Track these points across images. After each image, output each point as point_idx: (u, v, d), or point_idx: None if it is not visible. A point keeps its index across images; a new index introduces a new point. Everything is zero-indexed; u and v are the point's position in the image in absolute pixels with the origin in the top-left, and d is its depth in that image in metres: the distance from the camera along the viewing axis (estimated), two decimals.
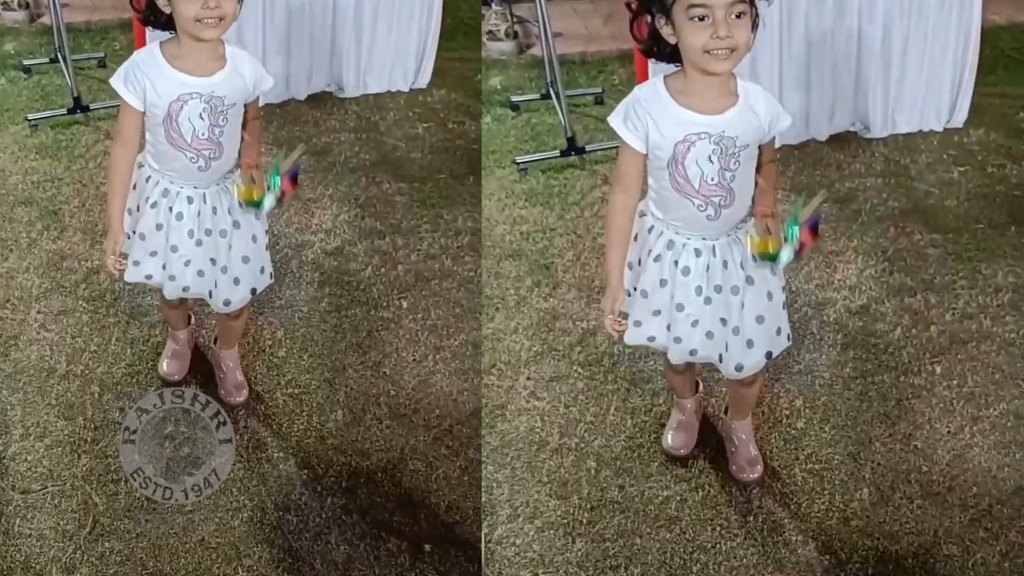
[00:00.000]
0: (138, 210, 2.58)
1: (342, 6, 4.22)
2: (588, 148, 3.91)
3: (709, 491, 2.74)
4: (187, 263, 2.59)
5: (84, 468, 2.81)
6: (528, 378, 3.00)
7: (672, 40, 2.17)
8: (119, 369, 3.06)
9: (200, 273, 2.62)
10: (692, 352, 2.45)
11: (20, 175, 3.83)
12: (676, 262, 2.33)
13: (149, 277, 2.62)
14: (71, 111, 4.17)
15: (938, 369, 3.02)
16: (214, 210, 2.57)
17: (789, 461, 2.79)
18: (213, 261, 2.60)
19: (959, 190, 3.73)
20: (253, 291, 2.69)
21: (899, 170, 3.88)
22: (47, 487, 2.77)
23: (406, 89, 4.37)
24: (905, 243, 3.50)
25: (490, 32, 4.65)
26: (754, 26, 2.16)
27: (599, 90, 4.37)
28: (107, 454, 2.84)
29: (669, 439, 2.80)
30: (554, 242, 3.48)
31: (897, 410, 2.92)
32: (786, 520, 2.66)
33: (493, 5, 4.63)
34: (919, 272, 3.37)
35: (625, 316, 2.40)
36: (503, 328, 3.14)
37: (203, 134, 2.46)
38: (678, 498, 2.73)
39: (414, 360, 3.14)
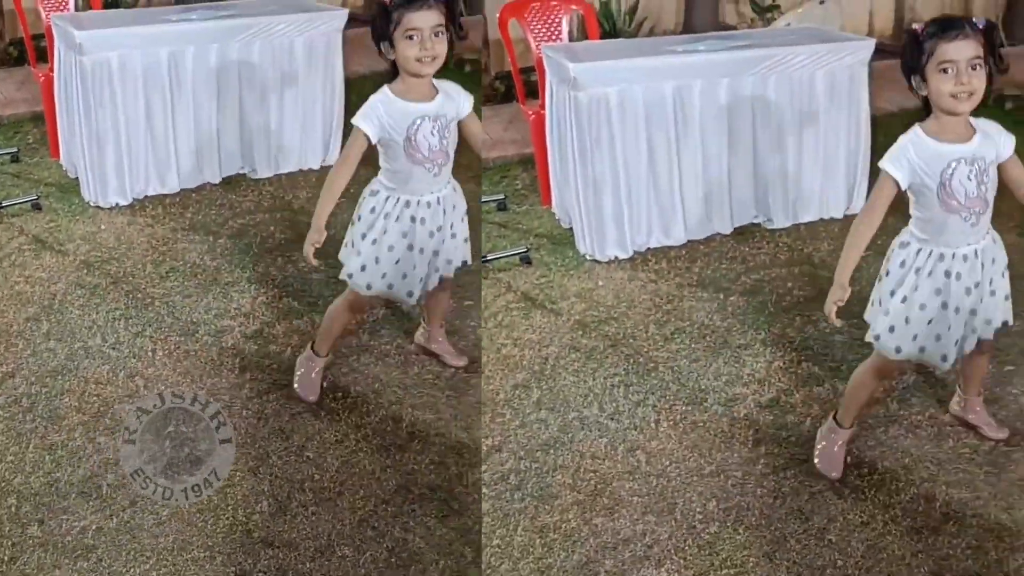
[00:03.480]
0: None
1: (250, 90, 4.37)
2: (491, 256, 3.92)
3: (123, 517, 2.82)
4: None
5: None
6: None
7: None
8: (37, 479, 2.96)
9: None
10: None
11: None
12: (948, 272, 2.79)
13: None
14: None
15: (848, 459, 3.00)
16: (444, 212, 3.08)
17: (704, 569, 2.73)
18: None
19: (861, 275, 3.75)
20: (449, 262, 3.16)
21: (803, 259, 3.92)
22: None
23: (317, 167, 4.50)
24: (812, 331, 3.51)
25: None
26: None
27: (502, 196, 4.40)
28: (25, 573, 2.72)
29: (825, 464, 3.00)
30: None
31: (811, 504, 2.88)
32: None
33: None
34: (826, 360, 3.38)
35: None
36: None
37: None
38: (94, 527, 2.75)
39: (336, 441, 3.10)
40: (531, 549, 2.76)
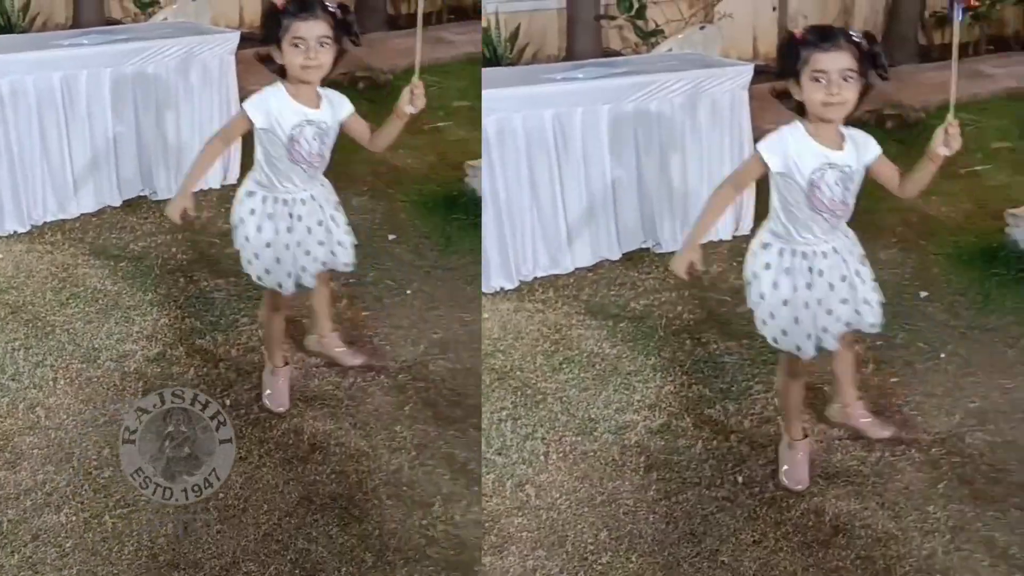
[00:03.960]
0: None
1: (145, 112, 4.37)
2: None
3: (25, 552, 2.78)
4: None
5: None
6: None
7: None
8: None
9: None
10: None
11: None
12: (811, 268, 2.84)
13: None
14: None
15: (740, 479, 3.02)
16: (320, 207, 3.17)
17: None
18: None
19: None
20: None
21: (692, 282, 3.92)
22: None
23: (217, 186, 4.44)
24: (702, 353, 3.53)
25: None
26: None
27: None
28: None
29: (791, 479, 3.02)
30: None
31: (703, 526, 2.88)
32: None
33: None
34: (716, 382, 3.40)
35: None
36: None
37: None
38: None
39: (239, 457, 3.08)
40: None
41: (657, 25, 5.06)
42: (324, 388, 3.35)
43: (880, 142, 2.82)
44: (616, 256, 4.06)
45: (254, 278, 3.19)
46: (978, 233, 4.06)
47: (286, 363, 3.33)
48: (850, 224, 2.88)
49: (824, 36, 2.71)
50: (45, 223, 4.25)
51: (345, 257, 3.23)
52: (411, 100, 3.02)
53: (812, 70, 2.69)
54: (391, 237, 4.06)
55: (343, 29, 3.02)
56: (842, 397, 3.16)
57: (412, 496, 3.00)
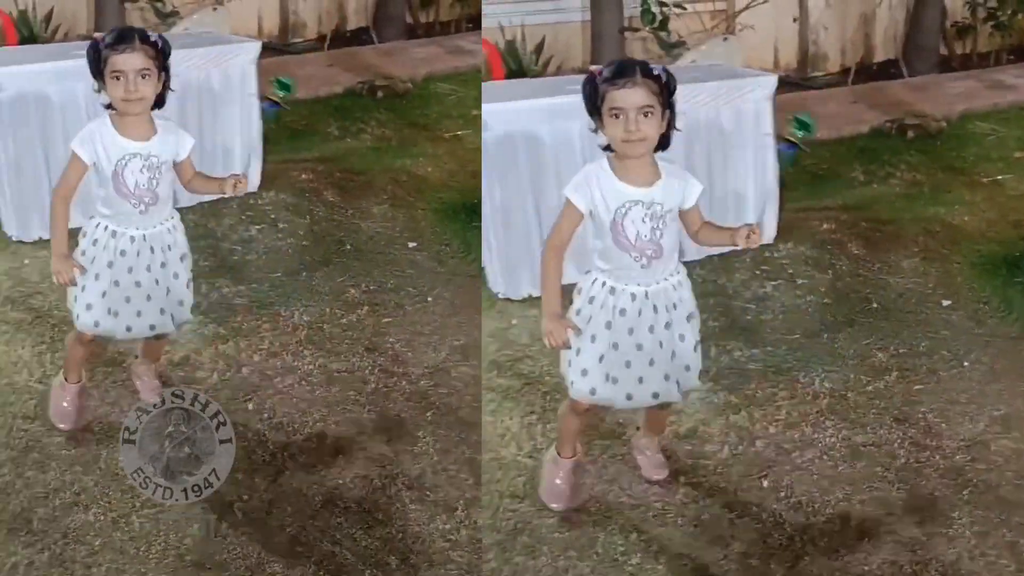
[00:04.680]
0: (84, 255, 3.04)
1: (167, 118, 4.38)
2: None
3: (55, 550, 2.83)
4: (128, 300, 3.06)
5: None
6: None
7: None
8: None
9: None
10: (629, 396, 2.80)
11: None
12: (615, 306, 2.74)
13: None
14: None
15: (765, 483, 3.05)
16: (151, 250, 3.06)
17: None
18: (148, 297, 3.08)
19: (773, 304, 3.85)
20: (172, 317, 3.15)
21: (717, 290, 3.98)
22: None
23: (239, 194, 4.45)
24: (726, 360, 3.57)
25: None
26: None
27: None
28: None
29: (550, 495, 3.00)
30: None
31: (730, 531, 2.91)
32: None
33: None
34: (742, 388, 3.43)
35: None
36: None
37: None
38: (26, 562, 2.80)
39: (263, 461, 3.13)
40: None
41: (680, 37, 5.11)
42: (347, 394, 3.40)
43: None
44: None
45: (75, 319, 3.07)
46: (1000, 242, 4.09)
47: (79, 380, 3.27)
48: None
49: (619, 73, 2.64)
50: (71, 230, 4.28)
51: (179, 315, 3.14)
52: (233, 189, 3.03)
53: (610, 107, 2.65)
54: (411, 245, 4.13)
55: (166, 58, 2.99)
56: (643, 429, 3.12)
57: (435, 500, 3.04)
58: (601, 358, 2.76)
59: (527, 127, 3.87)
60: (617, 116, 2.64)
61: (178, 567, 2.86)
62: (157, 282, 3.08)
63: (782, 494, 3.01)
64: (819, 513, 2.95)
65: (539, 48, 5.06)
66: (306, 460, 3.17)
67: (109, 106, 3.02)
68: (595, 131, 2.74)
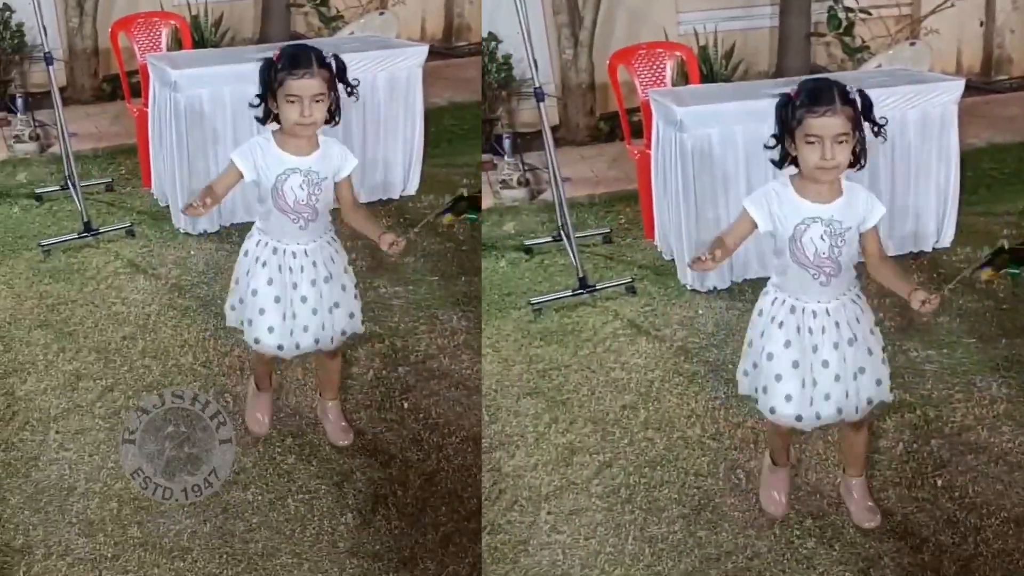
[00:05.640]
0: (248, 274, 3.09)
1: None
2: (599, 286, 4.14)
3: (216, 523, 2.94)
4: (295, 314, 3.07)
5: None
6: (549, 512, 3.14)
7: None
8: (136, 485, 3.13)
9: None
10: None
11: (35, 299, 4.02)
12: (799, 326, 2.79)
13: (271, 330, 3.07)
14: (81, 235, 4.38)
15: (939, 482, 3.15)
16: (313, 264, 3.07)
17: None
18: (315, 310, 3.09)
19: (951, 307, 3.90)
20: (343, 332, 3.17)
21: (893, 291, 4.05)
22: None
23: (397, 197, 4.70)
24: (903, 360, 3.65)
25: (503, 181, 4.95)
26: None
27: (607, 230, 4.63)
28: (127, 569, 2.94)
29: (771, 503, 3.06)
30: (569, 378, 3.68)
31: (904, 525, 3.02)
32: None
33: (505, 157, 4.94)
34: (917, 388, 3.52)
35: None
36: (523, 464, 3.31)
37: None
38: (189, 531, 2.93)
39: (418, 459, 3.28)
40: (640, 557, 2.98)
41: (864, 42, 5.17)
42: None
43: None
44: None
45: (235, 323, 3.13)
46: None
47: (269, 388, 3.37)
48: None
49: (818, 100, 2.65)
50: (233, 224, 4.45)
51: (350, 326, 3.17)
52: (388, 246, 2.99)
53: (806, 133, 2.66)
54: None
55: (343, 78, 3.01)
56: (846, 470, 3.11)
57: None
58: (778, 376, 2.82)
59: (723, 129, 4.03)
60: (813, 143, 2.66)
61: (331, 552, 2.98)
62: (322, 296, 3.09)
63: (956, 494, 3.08)
64: (994, 516, 3.01)
65: (729, 54, 5.18)
66: (461, 462, 3.27)
67: (267, 118, 3.02)
68: (772, 147, 2.77)
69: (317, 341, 3.12)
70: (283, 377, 3.55)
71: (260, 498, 3.14)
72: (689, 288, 4.14)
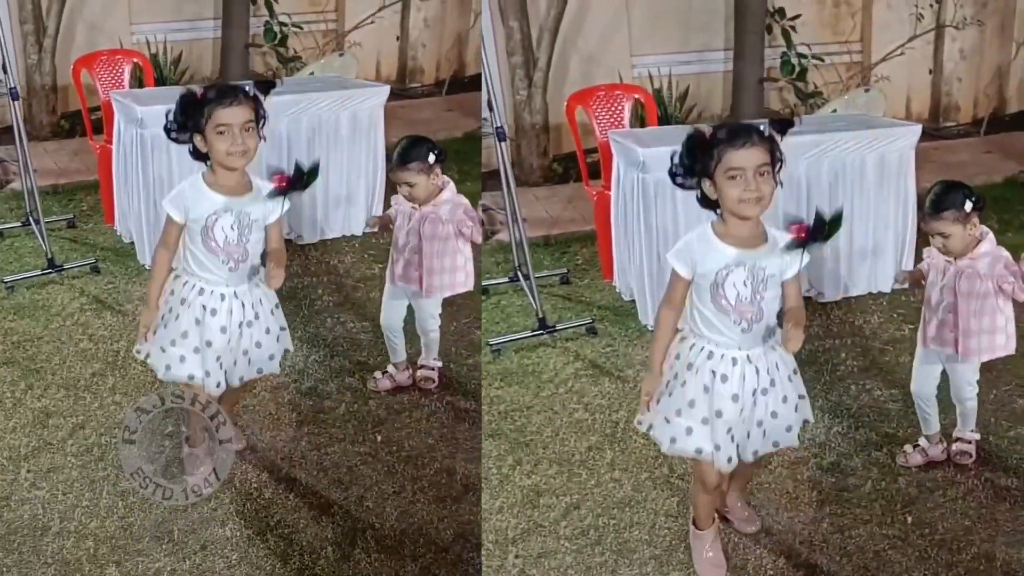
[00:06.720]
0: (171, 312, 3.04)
1: (295, 158, 4.47)
2: (559, 327, 4.10)
3: (195, 560, 2.90)
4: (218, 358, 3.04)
5: None
6: (516, 556, 3.07)
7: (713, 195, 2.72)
8: (112, 523, 3.08)
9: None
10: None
11: (0, 336, 3.95)
12: (714, 371, 2.75)
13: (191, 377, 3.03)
14: (45, 271, 4.34)
15: (909, 519, 3.13)
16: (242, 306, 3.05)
17: None
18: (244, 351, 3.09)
19: (911, 346, 3.91)
20: (258, 371, 3.17)
21: (854, 330, 4.08)
22: None
23: (360, 233, 4.72)
24: (867, 399, 3.66)
25: None
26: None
27: (565, 270, 4.60)
28: None
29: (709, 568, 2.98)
30: (532, 419, 3.62)
31: (876, 562, 3.00)
32: None
33: None
34: (882, 426, 3.53)
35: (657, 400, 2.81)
36: (488, 507, 3.23)
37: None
38: (168, 569, 2.89)
39: (393, 492, 3.22)
40: None
41: (816, 87, 5.25)
42: (474, 433, 3.52)
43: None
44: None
45: (160, 370, 3.05)
46: None
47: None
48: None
49: (736, 134, 2.64)
50: None
51: (267, 367, 3.15)
52: (270, 282, 2.98)
53: (727, 168, 2.64)
54: None
55: (262, 113, 3.01)
56: (732, 488, 3.11)
57: None
58: (704, 420, 2.76)
59: None
60: (735, 176, 2.63)
61: None
62: (242, 336, 3.06)
63: (926, 530, 3.08)
64: (963, 552, 3.01)
65: (683, 97, 5.23)
66: (435, 494, 3.25)
67: (196, 156, 3.01)
68: (692, 188, 2.72)
69: (242, 379, 3.12)
70: (255, 413, 3.53)
71: (239, 534, 3.08)
72: (650, 329, 4.10)
